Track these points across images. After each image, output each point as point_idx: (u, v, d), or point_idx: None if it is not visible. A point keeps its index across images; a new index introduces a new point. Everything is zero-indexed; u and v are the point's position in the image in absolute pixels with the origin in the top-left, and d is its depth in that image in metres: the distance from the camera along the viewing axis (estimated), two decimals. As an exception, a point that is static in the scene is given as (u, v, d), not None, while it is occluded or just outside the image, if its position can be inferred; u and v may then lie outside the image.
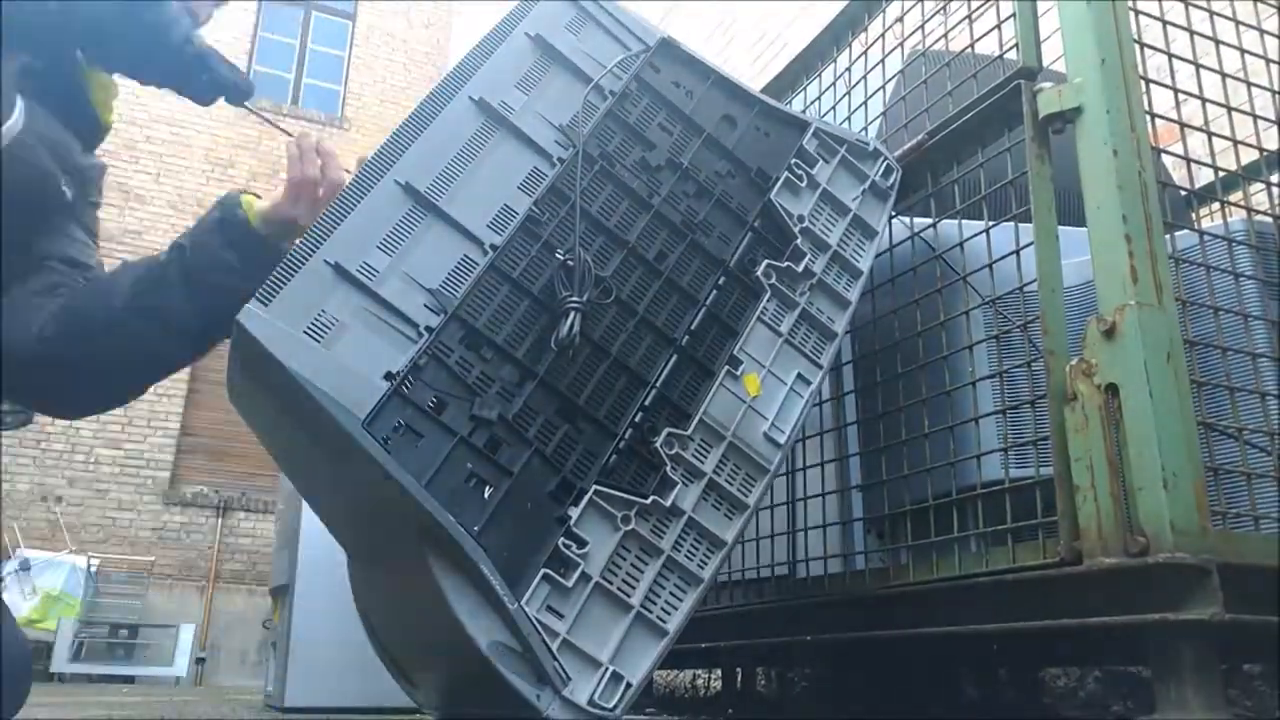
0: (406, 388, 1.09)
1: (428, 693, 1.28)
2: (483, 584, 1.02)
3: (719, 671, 2.69)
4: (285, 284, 1.07)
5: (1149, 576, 0.99)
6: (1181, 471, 1.01)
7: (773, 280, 1.32)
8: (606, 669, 1.04)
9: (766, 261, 1.32)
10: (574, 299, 1.16)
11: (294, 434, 1.15)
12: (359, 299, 1.10)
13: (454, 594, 1.02)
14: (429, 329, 1.11)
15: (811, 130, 1.45)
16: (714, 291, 1.30)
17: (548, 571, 1.06)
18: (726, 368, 1.25)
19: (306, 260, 1.09)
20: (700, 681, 3.03)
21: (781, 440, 1.24)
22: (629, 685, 1.05)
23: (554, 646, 1.02)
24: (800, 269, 1.34)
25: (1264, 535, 1.12)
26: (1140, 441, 1.03)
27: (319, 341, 1.06)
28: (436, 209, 1.17)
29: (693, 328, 1.26)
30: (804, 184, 1.40)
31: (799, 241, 1.36)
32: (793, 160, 1.41)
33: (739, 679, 2.54)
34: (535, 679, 1.00)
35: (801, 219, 1.37)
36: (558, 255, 1.20)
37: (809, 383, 1.30)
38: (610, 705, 1.03)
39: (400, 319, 1.11)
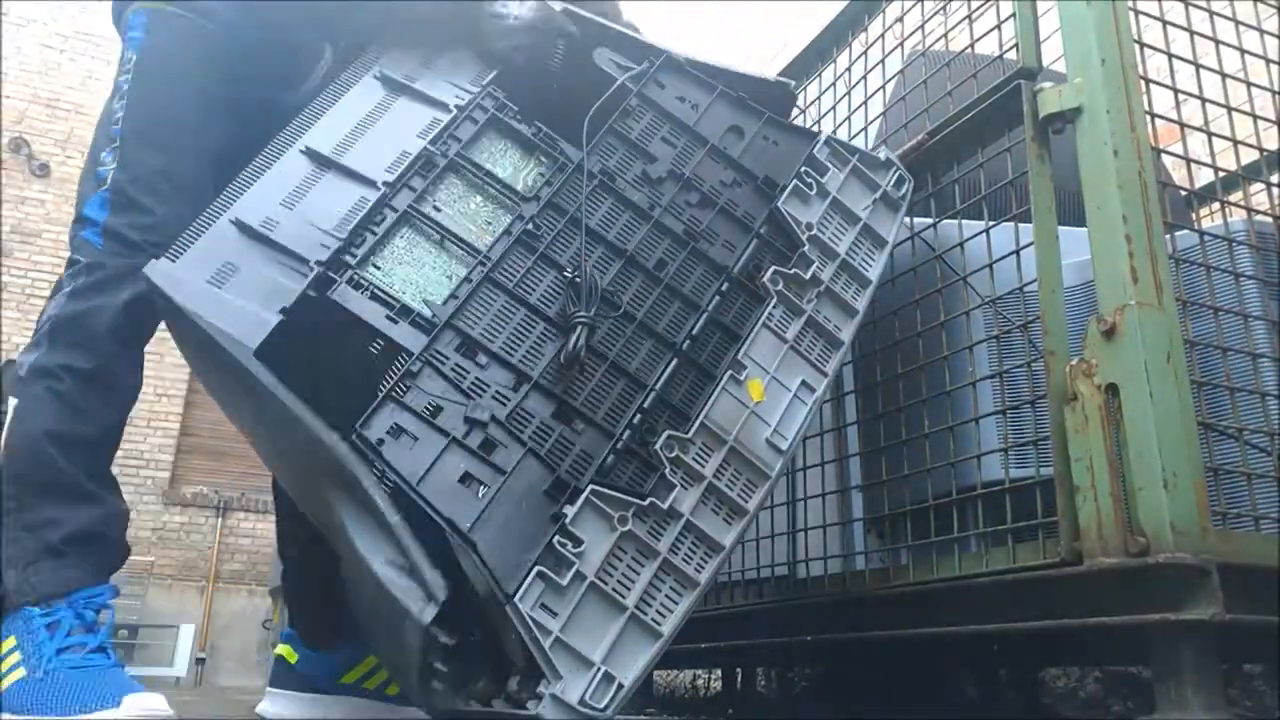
0: (399, 392, 1.10)
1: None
2: (374, 508, 1.05)
3: (719, 671, 2.69)
4: (191, 244, 1.16)
5: (1149, 577, 0.99)
6: (1181, 471, 1.01)
7: (779, 287, 1.31)
8: (599, 669, 1.04)
9: (773, 268, 1.32)
10: (581, 314, 1.18)
11: (215, 378, 1.21)
12: (258, 248, 1.17)
13: (352, 524, 1.06)
14: (319, 263, 1.16)
15: (823, 139, 1.44)
16: (717, 297, 1.29)
17: (541, 569, 1.05)
18: (730, 372, 1.24)
19: (213, 223, 1.18)
20: (700, 681, 3.02)
21: (784, 447, 1.23)
22: (621, 686, 1.04)
23: (546, 645, 1.02)
24: (808, 276, 1.33)
25: (1264, 535, 1.12)
26: (1140, 441, 1.02)
27: (219, 288, 1.13)
28: (336, 165, 1.24)
29: (694, 333, 1.26)
30: (813, 192, 1.39)
31: (806, 249, 1.35)
32: (803, 168, 1.40)
33: (739, 679, 2.54)
34: (424, 596, 1.01)
35: (810, 226, 1.36)
36: (565, 273, 1.22)
37: (813, 390, 1.29)
38: (601, 705, 1.02)
39: (292, 258, 1.17)
